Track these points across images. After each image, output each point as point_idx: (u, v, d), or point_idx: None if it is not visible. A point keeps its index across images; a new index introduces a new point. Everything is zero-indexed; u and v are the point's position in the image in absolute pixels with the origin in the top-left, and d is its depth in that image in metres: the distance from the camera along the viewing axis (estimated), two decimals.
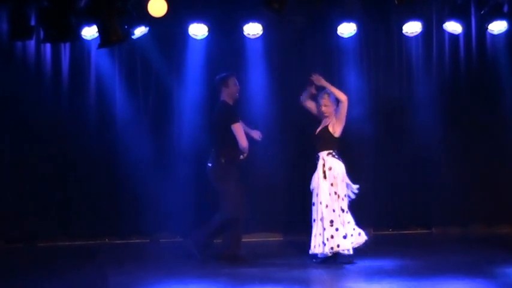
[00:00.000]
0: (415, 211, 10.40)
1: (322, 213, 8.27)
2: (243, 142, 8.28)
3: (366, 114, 10.04)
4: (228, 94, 8.50)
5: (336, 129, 8.53)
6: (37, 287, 7.71)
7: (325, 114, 8.60)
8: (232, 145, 8.32)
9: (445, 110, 10.31)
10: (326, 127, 8.55)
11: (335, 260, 8.31)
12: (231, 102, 8.50)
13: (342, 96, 8.51)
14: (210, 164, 8.46)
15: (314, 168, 8.58)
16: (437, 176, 10.31)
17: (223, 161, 8.35)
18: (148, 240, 10.05)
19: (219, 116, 8.44)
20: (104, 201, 9.90)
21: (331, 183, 8.37)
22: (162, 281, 7.74)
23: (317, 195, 8.38)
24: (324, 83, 8.57)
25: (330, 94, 8.59)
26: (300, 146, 9.65)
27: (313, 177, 8.46)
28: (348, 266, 8.29)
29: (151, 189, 9.89)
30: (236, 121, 8.32)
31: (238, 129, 8.29)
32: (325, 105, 8.58)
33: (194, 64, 9.95)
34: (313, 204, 8.39)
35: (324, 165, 8.43)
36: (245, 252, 8.55)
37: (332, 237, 8.25)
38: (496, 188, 10.33)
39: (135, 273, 8.08)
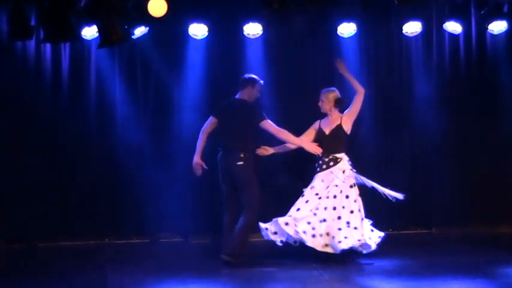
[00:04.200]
0: (415, 211, 10.39)
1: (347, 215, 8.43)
2: (280, 133, 8.50)
3: (365, 114, 10.04)
4: (249, 95, 8.63)
5: (347, 125, 8.60)
6: (37, 287, 7.71)
7: (321, 110, 8.75)
8: (254, 142, 8.57)
9: (445, 110, 10.31)
10: (339, 125, 8.59)
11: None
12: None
13: (360, 88, 8.65)
14: (241, 162, 8.45)
15: (313, 168, 8.64)
16: (438, 176, 10.31)
17: (242, 155, 8.42)
18: (148, 240, 10.05)
19: (245, 114, 8.53)
20: (104, 201, 9.90)
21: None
22: (162, 281, 7.75)
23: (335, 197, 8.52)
24: (344, 70, 8.72)
25: (326, 91, 8.71)
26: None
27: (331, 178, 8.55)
28: (347, 266, 8.30)
29: (151, 189, 9.89)
30: (266, 118, 8.52)
31: (271, 124, 8.50)
32: (321, 101, 8.72)
33: (194, 64, 9.94)
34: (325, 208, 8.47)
35: (344, 171, 8.53)
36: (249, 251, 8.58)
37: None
38: (497, 187, 10.33)
39: (135, 273, 8.09)
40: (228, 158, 8.51)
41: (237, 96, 8.70)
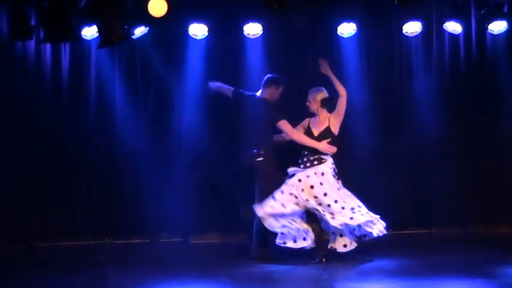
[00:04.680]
0: (415, 211, 10.40)
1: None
2: (294, 134, 8.58)
3: (365, 114, 10.05)
4: (271, 95, 8.73)
5: (335, 127, 8.60)
6: (37, 287, 7.71)
7: (309, 110, 8.74)
8: (271, 140, 8.70)
9: (445, 110, 10.31)
10: (328, 127, 8.61)
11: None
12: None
13: (342, 91, 8.59)
14: (260, 158, 8.56)
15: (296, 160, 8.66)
16: (437, 175, 10.31)
17: (262, 152, 8.51)
18: (148, 240, 10.05)
19: (266, 113, 8.62)
20: (104, 201, 9.89)
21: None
22: (162, 281, 7.75)
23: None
24: (328, 72, 8.66)
25: (313, 91, 8.70)
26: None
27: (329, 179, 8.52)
28: (348, 266, 8.30)
29: (151, 189, 9.89)
30: (283, 118, 8.59)
31: (287, 125, 8.59)
32: (308, 101, 8.74)
33: (194, 64, 9.94)
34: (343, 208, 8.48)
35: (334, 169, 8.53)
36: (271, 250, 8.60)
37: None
38: (496, 188, 10.32)
39: (135, 273, 8.08)
40: (247, 156, 8.56)
41: (259, 95, 8.75)
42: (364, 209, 8.49)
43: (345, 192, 8.57)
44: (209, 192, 9.92)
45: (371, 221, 8.42)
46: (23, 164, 9.70)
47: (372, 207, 9.89)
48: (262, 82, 8.84)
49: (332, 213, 8.35)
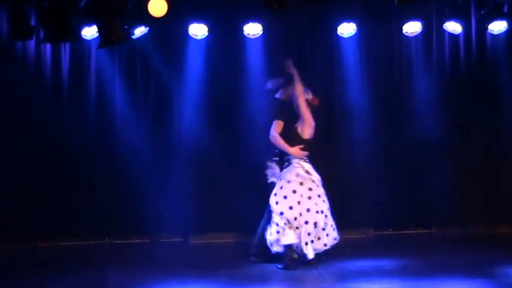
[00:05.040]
0: (415, 211, 10.40)
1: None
2: (273, 137, 8.40)
3: (365, 114, 10.05)
4: (287, 95, 8.60)
5: (301, 128, 8.45)
6: (37, 287, 7.72)
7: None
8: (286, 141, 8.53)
9: (445, 110, 10.31)
10: (295, 128, 8.48)
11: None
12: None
13: (296, 91, 8.43)
14: (277, 158, 8.54)
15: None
16: (438, 175, 10.31)
17: (276, 151, 8.47)
18: (148, 240, 10.06)
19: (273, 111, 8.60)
20: (104, 201, 9.90)
21: (310, 188, 8.34)
22: (162, 281, 7.75)
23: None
24: (293, 71, 8.48)
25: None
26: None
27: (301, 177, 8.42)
28: (348, 266, 8.30)
29: (151, 189, 9.89)
30: (279, 119, 8.44)
31: (277, 126, 8.43)
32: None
33: (194, 64, 9.95)
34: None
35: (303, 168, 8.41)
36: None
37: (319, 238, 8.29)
38: (496, 187, 10.33)
39: (135, 273, 8.09)
40: (265, 154, 8.55)
41: (276, 95, 8.71)
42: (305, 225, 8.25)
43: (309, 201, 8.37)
44: (209, 192, 9.92)
45: (306, 243, 8.19)
46: (23, 164, 9.70)
47: (371, 207, 9.94)
48: (281, 83, 8.75)
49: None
